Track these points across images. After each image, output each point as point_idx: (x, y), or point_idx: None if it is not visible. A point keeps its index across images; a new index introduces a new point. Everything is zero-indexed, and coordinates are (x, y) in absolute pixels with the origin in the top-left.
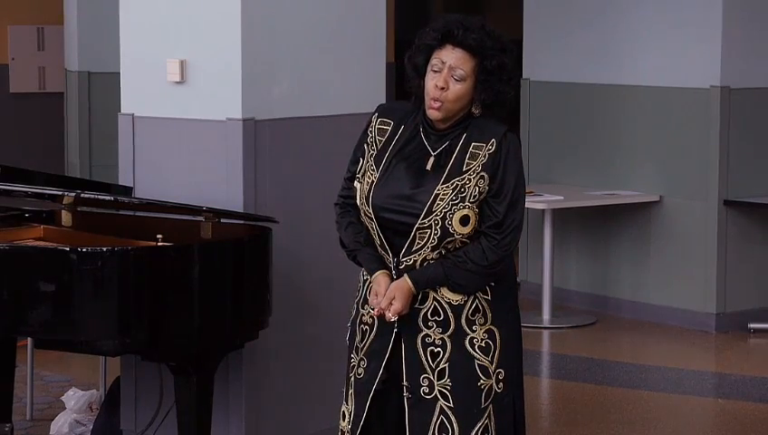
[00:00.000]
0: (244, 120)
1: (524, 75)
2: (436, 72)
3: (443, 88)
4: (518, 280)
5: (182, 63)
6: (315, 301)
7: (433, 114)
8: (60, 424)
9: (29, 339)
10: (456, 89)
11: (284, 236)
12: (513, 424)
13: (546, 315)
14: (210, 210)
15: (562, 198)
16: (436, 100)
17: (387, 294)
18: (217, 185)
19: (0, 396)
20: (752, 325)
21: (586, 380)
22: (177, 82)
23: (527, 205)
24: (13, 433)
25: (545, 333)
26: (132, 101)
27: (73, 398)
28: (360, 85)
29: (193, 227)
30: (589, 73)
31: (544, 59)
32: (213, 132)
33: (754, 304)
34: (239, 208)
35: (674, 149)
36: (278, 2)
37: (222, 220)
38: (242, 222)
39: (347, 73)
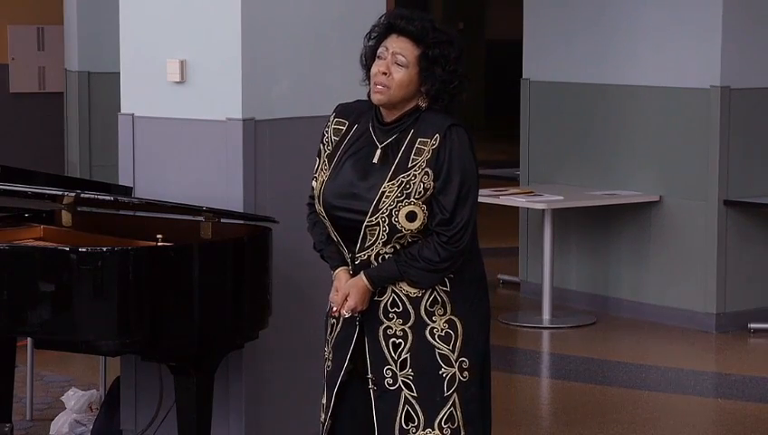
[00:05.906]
0: (244, 121)
1: (524, 75)
2: (381, 59)
3: (385, 73)
4: (519, 280)
5: (182, 63)
6: (315, 301)
7: (376, 97)
8: (60, 424)
9: (29, 339)
10: (398, 75)
11: (284, 236)
12: (480, 413)
13: (546, 315)
14: (210, 210)
15: (562, 198)
16: (379, 84)
17: (342, 290)
18: (217, 185)
19: (0, 396)
20: (752, 325)
21: (586, 380)
22: (177, 82)
23: (528, 205)
24: (13, 433)
25: (545, 333)
26: (132, 101)
27: (73, 398)
28: (359, 85)
29: (193, 227)
30: (589, 73)
31: (544, 59)
32: (213, 132)
33: (754, 304)
34: (239, 208)
35: (674, 149)
36: (278, 2)
37: (222, 220)
38: (242, 222)
39: (347, 73)
